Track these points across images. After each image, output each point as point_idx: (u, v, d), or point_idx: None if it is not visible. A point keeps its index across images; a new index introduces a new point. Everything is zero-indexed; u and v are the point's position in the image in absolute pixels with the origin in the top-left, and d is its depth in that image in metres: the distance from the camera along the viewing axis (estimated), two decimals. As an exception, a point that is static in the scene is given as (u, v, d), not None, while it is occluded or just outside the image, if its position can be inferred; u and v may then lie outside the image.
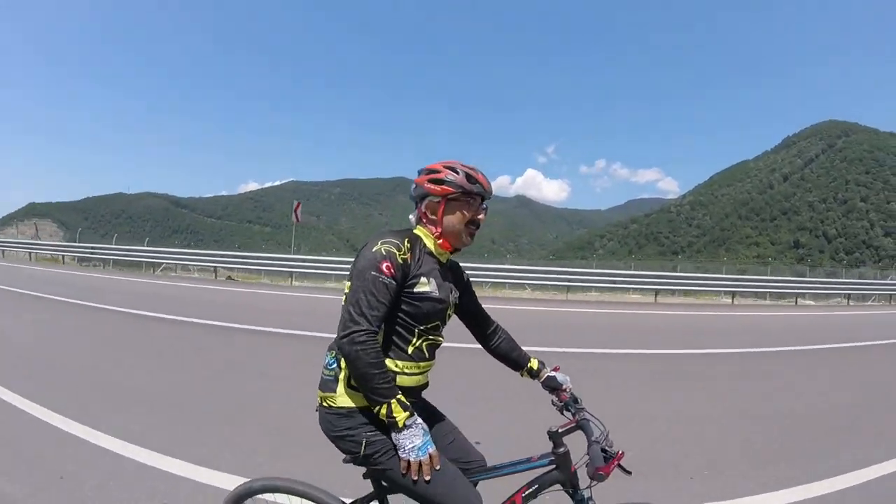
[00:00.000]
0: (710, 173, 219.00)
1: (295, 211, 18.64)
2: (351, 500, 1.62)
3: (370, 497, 1.61)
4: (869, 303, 20.46)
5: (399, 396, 1.40)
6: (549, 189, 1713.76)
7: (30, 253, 21.28)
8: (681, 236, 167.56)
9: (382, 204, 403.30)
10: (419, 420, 1.42)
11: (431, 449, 1.41)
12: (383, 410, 1.38)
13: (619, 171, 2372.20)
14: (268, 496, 1.71)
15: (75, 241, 21.87)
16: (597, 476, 1.46)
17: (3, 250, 22.52)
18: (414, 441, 1.39)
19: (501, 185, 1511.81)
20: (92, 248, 20.34)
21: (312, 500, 1.63)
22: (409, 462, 1.39)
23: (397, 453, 1.41)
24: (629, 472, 1.50)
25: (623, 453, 1.50)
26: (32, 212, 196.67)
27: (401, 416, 1.38)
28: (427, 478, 1.40)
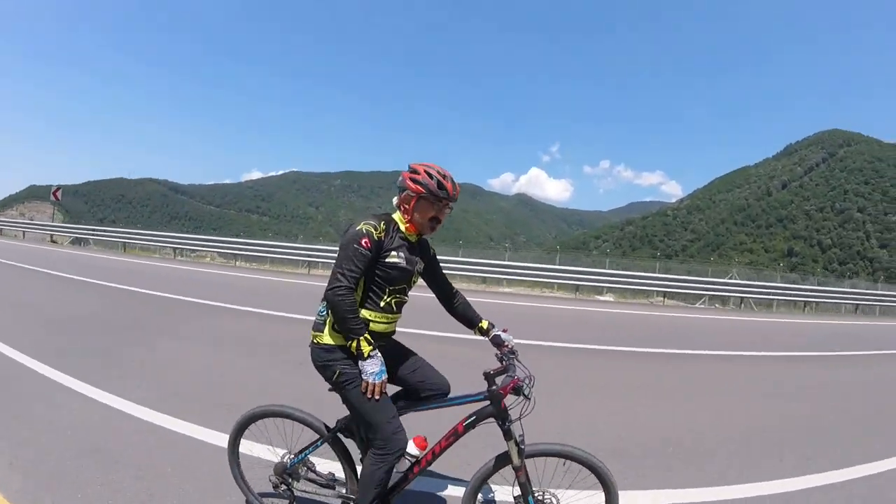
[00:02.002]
0: (713, 177, 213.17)
1: (54, 193, 22.28)
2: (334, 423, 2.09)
3: (348, 418, 2.05)
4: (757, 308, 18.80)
5: (366, 335, 1.86)
6: (552, 188, 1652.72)
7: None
8: (675, 240, 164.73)
9: (382, 197, 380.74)
10: (379, 354, 1.88)
11: (384, 377, 1.88)
12: (354, 344, 1.84)
13: (623, 172, 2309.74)
14: (266, 421, 2.16)
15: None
16: (498, 395, 1.87)
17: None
18: (374, 368, 1.85)
19: (505, 183, 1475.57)
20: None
21: (302, 422, 2.10)
22: (367, 383, 1.85)
23: (358, 385, 1.88)
24: (528, 398, 1.84)
25: (518, 378, 1.87)
26: (33, 194, 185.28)
27: (366, 349, 1.84)
28: (377, 397, 1.87)
